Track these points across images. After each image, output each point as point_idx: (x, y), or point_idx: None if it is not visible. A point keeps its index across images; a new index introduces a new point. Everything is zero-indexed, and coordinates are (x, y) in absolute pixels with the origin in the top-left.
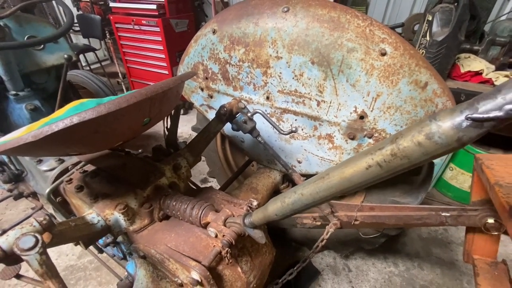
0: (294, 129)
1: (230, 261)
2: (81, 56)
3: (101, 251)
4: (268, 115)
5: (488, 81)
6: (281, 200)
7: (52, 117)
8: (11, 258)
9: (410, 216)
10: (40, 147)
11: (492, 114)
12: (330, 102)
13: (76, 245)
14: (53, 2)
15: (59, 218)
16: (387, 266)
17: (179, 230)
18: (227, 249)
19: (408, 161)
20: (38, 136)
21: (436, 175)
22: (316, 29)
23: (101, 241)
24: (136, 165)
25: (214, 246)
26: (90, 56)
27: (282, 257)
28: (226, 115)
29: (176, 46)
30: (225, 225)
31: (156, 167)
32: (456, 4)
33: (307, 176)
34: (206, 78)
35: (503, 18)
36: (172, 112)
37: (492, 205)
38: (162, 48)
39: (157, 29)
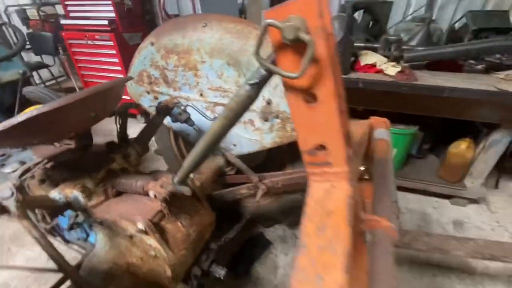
0: (216, 115)
1: (170, 216)
2: (34, 74)
3: (67, 241)
4: (204, 108)
5: (381, 71)
6: (189, 155)
7: None
8: None
9: None
10: (8, 136)
11: (253, 81)
12: None
13: (43, 218)
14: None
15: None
16: None
17: (129, 201)
18: (164, 204)
19: (233, 114)
20: (6, 126)
21: None
22: (228, 39)
23: (64, 225)
24: (91, 156)
25: (156, 207)
26: (44, 73)
27: (239, 233)
28: (163, 109)
29: (131, 59)
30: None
31: (108, 156)
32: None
33: (242, 157)
34: (150, 83)
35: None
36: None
37: None
38: (118, 61)
39: (111, 43)
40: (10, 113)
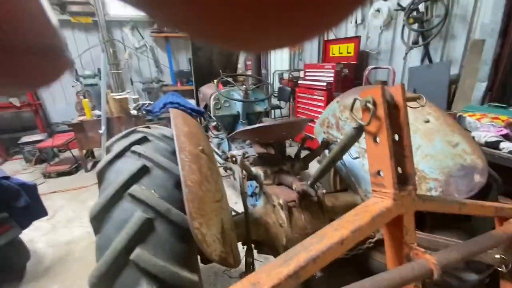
0: (357, 155)
1: (299, 208)
2: (273, 111)
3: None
4: (356, 152)
5: None
6: (318, 169)
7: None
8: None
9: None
10: (250, 133)
11: (355, 126)
12: None
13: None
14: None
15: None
16: None
17: (283, 189)
18: (297, 195)
19: (343, 145)
20: (254, 127)
21: None
22: None
23: (250, 192)
24: (276, 158)
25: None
26: (278, 112)
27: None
28: (324, 143)
29: None
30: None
31: (284, 162)
32: None
33: None
34: (327, 127)
35: None
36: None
37: None
38: (323, 110)
39: (322, 98)
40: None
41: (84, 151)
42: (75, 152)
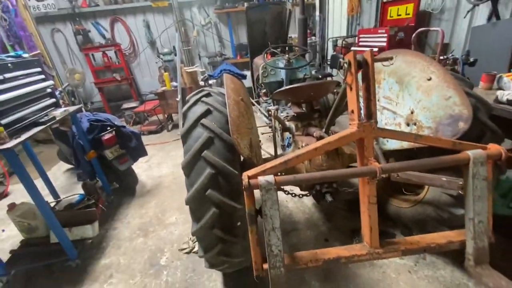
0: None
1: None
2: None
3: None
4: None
5: None
6: (328, 119)
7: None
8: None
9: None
10: (284, 93)
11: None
12: (402, 104)
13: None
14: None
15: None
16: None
17: (310, 137)
18: (316, 139)
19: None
20: (286, 88)
21: None
22: (402, 65)
23: (286, 142)
24: (306, 115)
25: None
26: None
27: None
28: None
29: None
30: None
31: (312, 117)
32: None
33: (391, 150)
34: None
35: None
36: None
37: None
38: None
39: None
40: None
41: (166, 115)
42: (160, 116)
